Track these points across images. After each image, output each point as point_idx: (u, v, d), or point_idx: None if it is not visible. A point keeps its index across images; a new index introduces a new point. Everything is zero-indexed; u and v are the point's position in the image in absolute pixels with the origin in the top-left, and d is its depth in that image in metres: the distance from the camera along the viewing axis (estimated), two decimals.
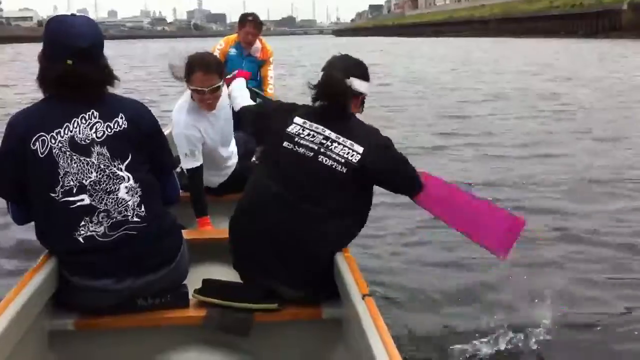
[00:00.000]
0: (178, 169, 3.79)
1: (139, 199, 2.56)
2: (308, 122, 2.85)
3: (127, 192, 2.54)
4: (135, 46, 75.44)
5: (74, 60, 2.45)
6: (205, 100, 3.76)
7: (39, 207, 2.54)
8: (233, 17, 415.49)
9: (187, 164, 3.83)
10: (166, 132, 3.92)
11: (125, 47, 68.29)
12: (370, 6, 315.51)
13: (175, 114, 3.89)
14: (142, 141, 2.62)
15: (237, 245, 2.90)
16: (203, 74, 3.69)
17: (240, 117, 3.59)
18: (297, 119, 2.87)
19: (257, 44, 6.50)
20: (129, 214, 2.54)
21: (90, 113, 2.53)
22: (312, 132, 2.82)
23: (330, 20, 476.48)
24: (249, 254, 2.84)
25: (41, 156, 2.46)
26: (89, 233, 2.49)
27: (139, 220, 2.55)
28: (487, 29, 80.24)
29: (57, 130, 2.48)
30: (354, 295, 2.41)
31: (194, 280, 2.82)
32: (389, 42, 68.90)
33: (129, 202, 2.54)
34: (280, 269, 2.74)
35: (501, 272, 4.36)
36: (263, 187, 2.83)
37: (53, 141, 2.47)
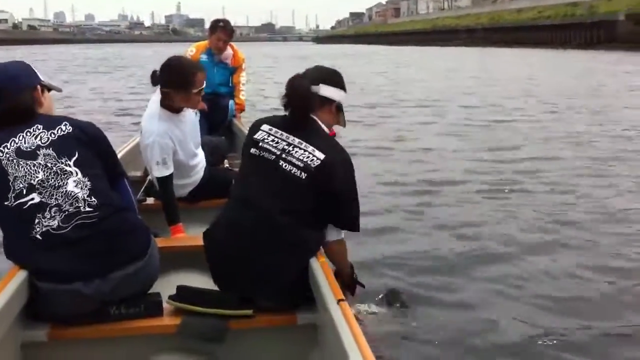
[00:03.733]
0: (153, 179, 3.95)
1: (88, 191, 2.61)
2: (274, 129, 2.88)
3: (75, 186, 2.59)
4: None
5: None
6: (200, 99, 3.94)
7: (1, 219, 2.61)
8: None
9: (159, 172, 3.80)
10: (133, 142, 5.18)
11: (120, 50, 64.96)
12: (351, 14, 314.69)
13: (147, 123, 3.87)
14: (88, 143, 2.71)
15: (211, 256, 2.89)
16: (202, 74, 3.87)
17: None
18: (264, 126, 2.92)
19: (229, 51, 6.56)
20: (80, 204, 2.58)
21: (34, 127, 2.67)
22: (276, 138, 2.85)
23: (310, 27, 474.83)
24: (223, 265, 2.83)
25: None
26: (43, 229, 2.52)
27: (91, 209, 2.58)
28: (474, 38, 78.22)
29: (4, 145, 2.61)
30: (328, 301, 2.42)
31: (167, 288, 2.80)
32: (387, 52, 65.89)
33: (78, 194, 2.58)
34: (254, 279, 2.74)
35: (482, 273, 4.55)
36: (234, 197, 2.91)
37: (1, 154, 2.58)
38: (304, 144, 2.81)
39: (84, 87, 21.43)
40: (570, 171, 8.00)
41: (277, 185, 2.77)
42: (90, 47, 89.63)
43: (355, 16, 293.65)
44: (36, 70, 2.87)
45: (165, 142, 3.79)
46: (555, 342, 3.58)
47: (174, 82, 3.76)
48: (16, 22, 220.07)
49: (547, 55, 45.21)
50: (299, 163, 2.76)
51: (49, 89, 2.91)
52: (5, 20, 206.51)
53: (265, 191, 2.77)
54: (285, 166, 2.77)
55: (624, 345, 3.62)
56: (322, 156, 2.77)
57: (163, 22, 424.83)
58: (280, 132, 2.86)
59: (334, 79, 3.03)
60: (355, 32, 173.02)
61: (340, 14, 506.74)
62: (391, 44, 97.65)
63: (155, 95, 3.93)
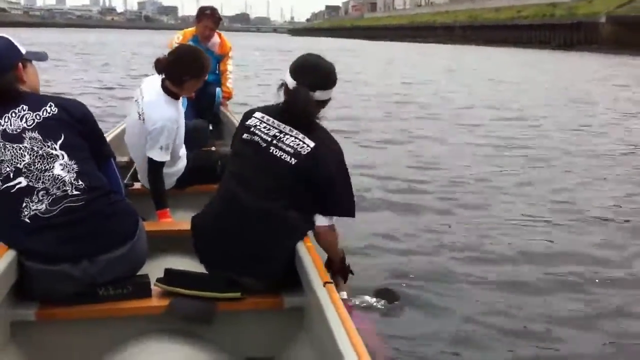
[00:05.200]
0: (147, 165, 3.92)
1: (75, 174, 2.60)
2: (266, 117, 2.95)
3: (62, 169, 2.59)
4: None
5: None
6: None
7: None
8: (185, 10, 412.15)
9: (159, 156, 3.84)
10: (120, 128, 5.26)
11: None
12: (327, 7, 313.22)
13: (153, 108, 3.86)
14: (74, 125, 2.69)
15: (199, 238, 2.93)
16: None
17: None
18: (257, 114, 2.99)
19: (216, 39, 6.60)
20: (67, 188, 2.58)
21: (20, 107, 2.64)
22: (267, 125, 2.92)
23: (285, 19, 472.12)
24: (211, 247, 2.87)
25: None
26: (32, 212, 2.53)
27: (78, 193, 2.58)
28: (452, 35, 77.55)
29: None
30: (315, 283, 2.44)
31: (155, 271, 2.79)
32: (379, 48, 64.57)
33: (65, 178, 2.58)
34: (243, 261, 2.77)
35: (470, 259, 4.76)
36: (226, 183, 2.94)
37: None
38: (295, 131, 2.88)
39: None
40: None
41: (266, 170, 2.83)
42: (65, 32, 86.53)
43: (331, 9, 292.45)
44: (16, 43, 2.77)
45: (173, 127, 3.84)
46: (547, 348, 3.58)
47: (194, 69, 3.89)
48: None
49: (558, 57, 43.77)
50: (289, 149, 2.83)
51: (32, 59, 2.85)
52: None
53: (255, 176, 2.83)
54: (276, 152, 2.83)
55: None
56: (312, 144, 2.85)
57: (136, 8, 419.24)
58: (272, 119, 2.93)
59: (330, 81, 3.04)
60: (331, 25, 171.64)
61: (315, 6, 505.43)
62: (368, 38, 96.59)
63: (151, 81, 4.00)
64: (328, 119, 3.03)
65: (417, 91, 18.26)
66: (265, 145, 2.85)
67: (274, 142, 2.85)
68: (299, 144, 2.83)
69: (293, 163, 2.80)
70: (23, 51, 2.78)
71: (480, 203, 6.50)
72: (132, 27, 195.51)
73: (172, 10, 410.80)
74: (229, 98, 6.99)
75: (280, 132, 2.88)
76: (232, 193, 2.84)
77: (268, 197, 2.79)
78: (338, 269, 3.22)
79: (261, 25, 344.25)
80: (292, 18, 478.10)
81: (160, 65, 3.90)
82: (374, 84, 19.94)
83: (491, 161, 8.64)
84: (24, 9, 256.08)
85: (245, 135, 2.93)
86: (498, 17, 75.41)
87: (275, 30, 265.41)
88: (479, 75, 25.29)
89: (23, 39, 3.04)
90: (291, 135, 2.86)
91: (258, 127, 2.91)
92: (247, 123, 2.96)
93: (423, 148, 9.47)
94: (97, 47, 43.27)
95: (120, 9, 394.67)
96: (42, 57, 2.92)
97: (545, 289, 4.33)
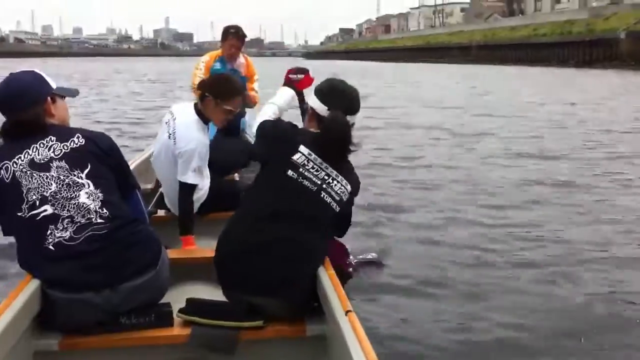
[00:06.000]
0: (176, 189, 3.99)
1: (100, 202, 2.63)
2: (313, 155, 2.89)
3: (87, 197, 2.61)
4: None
5: (2, 111, 2.74)
6: (224, 119, 4.03)
7: (14, 230, 2.64)
8: (200, 37, 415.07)
9: (193, 179, 3.89)
10: (145, 155, 5.54)
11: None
12: (341, 29, 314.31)
13: (187, 129, 3.92)
14: (100, 156, 2.73)
15: (223, 259, 2.89)
16: (239, 101, 4.06)
17: (259, 132, 3.22)
18: (303, 148, 2.90)
19: (242, 59, 6.56)
20: (92, 216, 2.60)
21: (48, 138, 2.69)
22: (316, 166, 2.88)
23: (299, 43, 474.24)
24: (235, 268, 2.83)
25: (6, 181, 2.60)
26: (56, 240, 2.55)
27: (103, 221, 2.61)
28: (469, 55, 77.02)
29: (18, 156, 2.64)
30: (337, 312, 2.45)
31: (177, 299, 2.82)
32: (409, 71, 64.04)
33: (90, 206, 2.60)
34: (268, 283, 2.73)
35: (490, 288, 4.42)
36: (257, 209, 2.87)
37: (15, 166, 2.61)
38: (340, 177, 2.90)
39: None
40: None
41: (314, 213, 2.83)
42: (84, 61, 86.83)
43: (345, 32, 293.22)
44: (48, 79, 2.81)
45: (205, 150, 3.92)
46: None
47: (214, 87, 3.94)
48: (3, 35, 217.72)
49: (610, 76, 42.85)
50: (337, 197, 2.87)
51: (63, 95, 2.88)
52: None
53: (294, 212, 2.80)
54: (326, 198, 2.85)
55: None
56: (349, 188, 2.94)
57: (151, 36, 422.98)
58: (319, 159, 2.88)
59: (358, 105, 3.06)
60: (346, 47, 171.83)
61: (329, 29, 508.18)
62: (383, 60, 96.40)
63: (183, 105, 4.10)
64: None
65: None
66: (315, 189, 2.85)
67: (324, 186, 2.86)
68: (343, 191, 2.90)
69: (337, 210, 2.88)
70: (54, 86, 2.83)
71: None
72: (148, 54, 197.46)
73: (187, 37, 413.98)
74: (255, 103, 6.69)
75: (328, 175, 2.88)
76: (264, 222, 2.81)
77: (306, 233, 2.80)
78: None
79: (276, 50, 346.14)
80: (306, 41, 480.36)
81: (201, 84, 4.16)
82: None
83: None
84: (41, 39, 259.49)
85: (291, 173, 2.85)
86: (514, 35, 74.85)
87: (290, 54, 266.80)
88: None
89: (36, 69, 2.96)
90: (338, 181, 2.89)
91: (307, 167, 2.86)
92: (293, 158, 2.87)
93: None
94: (114, 75, 43.23)
95: (136, 36, 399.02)
96: (72, 93, 2.97)
97: None
